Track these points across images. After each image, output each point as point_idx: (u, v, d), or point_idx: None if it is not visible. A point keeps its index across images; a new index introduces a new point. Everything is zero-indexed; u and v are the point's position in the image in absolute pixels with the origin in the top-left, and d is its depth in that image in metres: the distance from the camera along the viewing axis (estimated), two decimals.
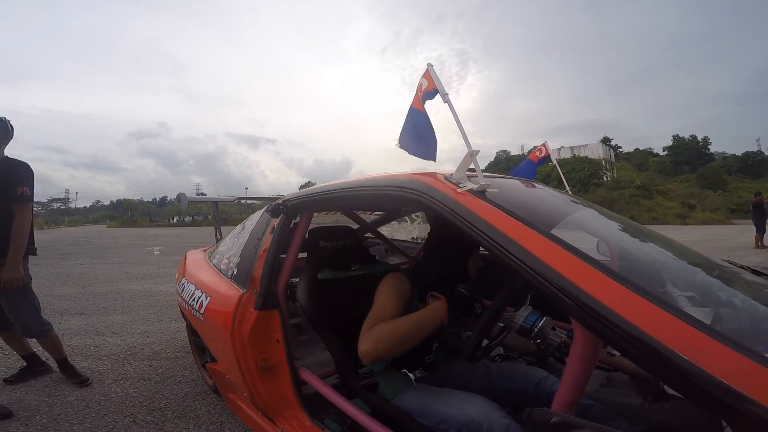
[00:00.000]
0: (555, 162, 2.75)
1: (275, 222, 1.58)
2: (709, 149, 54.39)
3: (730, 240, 12.29)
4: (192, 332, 2.35)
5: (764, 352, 0.59)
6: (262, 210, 1.92)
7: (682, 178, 45.19)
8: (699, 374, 0.57)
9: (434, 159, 1.26)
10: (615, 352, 1.43)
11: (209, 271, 1.98)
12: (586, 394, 1.21)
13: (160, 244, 14.55)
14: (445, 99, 1.18)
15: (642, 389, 1.32)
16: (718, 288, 1.17)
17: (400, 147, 1.35)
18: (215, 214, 3.23)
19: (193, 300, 1.82)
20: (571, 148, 51.63)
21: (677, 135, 55.87)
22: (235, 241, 1.99)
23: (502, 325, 1.20)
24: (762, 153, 50.87)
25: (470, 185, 1.05)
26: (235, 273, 1.69)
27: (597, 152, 50.13)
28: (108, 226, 49.62)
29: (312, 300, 1.44)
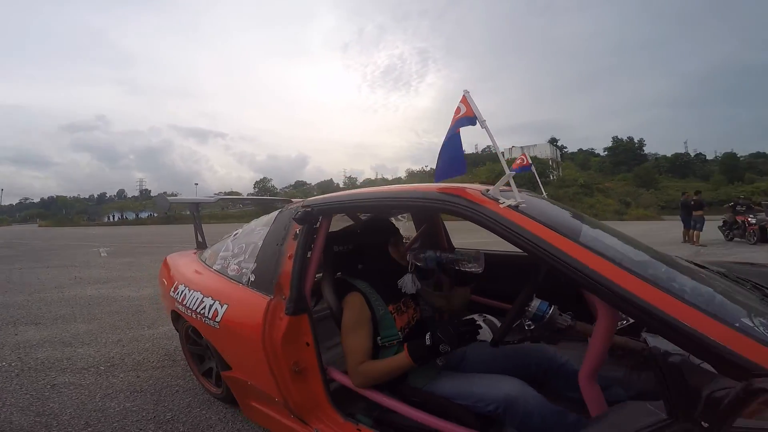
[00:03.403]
0: (534, 171, 2.96)
1: (296, 228, 1.59)
2: (643, 150, 59.49)
3: (661, 235, 13.59)
4: (188, 340, 2.27)
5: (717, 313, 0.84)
6: (274, 214, 1.91)
7: (619, 177, 49.16)
8: (686, 331, 0.80)
9: (464, 172, 1.34)
10: None
11: (215, 278, 1.93)
12: (570, 364, 1.50)
13: (106, 245, 13.53)
14: (483, 125, 1.27)
15: (625, 361, 1.55)
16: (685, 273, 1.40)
17: (436, 181, 1.38)
18: (195, 215, 3.09)
19: (203, 308, 1.77)
20: (522, 147, 54.28)
21: (616, 136, 60.53)
22: (242, 246, 1.96)
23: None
24: (689, 154, 56.51)
25: (509, 201, 1.18)
26: (252, 279, 1.68)
27: (545, 152, 53.27)
28: (40, 226, 45.04)
29: (338, 301, 1.50)
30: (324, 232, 1.62)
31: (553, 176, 48.40)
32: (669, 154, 57.01)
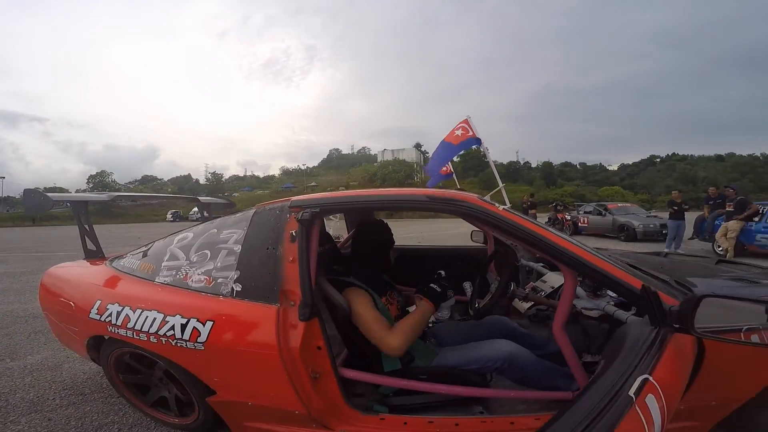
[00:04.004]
0: (455, 177, 3.45)
1: (291, 229, 1.54)
2: (486, 158, 70.41)
3: None
4: (122, 370, 1.90)
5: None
6: (245, 216, 1.77)
7: (469, 180, 57.32)
8: (609, 275, 1.27)
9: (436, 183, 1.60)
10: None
11: (174, 293, 1.67)
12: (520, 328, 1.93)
13: None
14: (483, 146, 1.52)
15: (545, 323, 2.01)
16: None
17: (426, 171, 1.60)
18: (83, 217, 2.46)
19: (170, 330, 1.53)
20: (392, 151, 58.41)
21: None
22: (204, 253, 1.75)
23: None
24: (519, 162, 69.28)
25: (502, 206, 1.46)
26: (239, 290, 1.54)
27: (411, 156, 58.41)
28: None
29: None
30: (317, 232, 1.61)
31: (417, 178, 53.47)
32: (505, 162, 69.31)
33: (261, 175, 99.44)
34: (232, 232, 1.75)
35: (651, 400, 0.85)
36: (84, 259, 2.40)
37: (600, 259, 1.32)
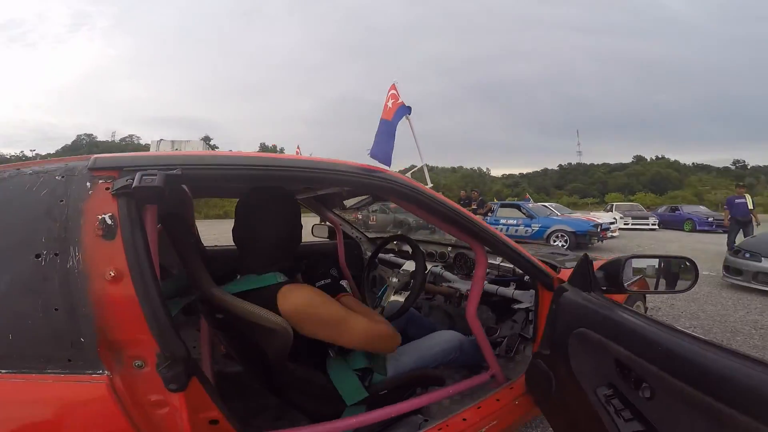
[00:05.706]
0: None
1: (101, 213, 0.82)
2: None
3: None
4: None
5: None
6: None
7: None
8: (521, 254, 1.34)
9: (389, 165, 1.31)
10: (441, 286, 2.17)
11: None
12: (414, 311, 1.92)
13: None
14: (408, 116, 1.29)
15: (450, 303, 2.08)
16: None
17: (371, 157, 1.25)
18: None
19: None
20: (173, 141, 50.18)
21: (263, 143, 68.51)
22: None
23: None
24: None
25: (429, 184, 1.28)
26: None
27: (198, 148, 52.01)
28: None
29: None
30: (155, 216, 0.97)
31: None
32: None
33: None
34: None
35: None
36: None
37: (513, 241, 1.37)
